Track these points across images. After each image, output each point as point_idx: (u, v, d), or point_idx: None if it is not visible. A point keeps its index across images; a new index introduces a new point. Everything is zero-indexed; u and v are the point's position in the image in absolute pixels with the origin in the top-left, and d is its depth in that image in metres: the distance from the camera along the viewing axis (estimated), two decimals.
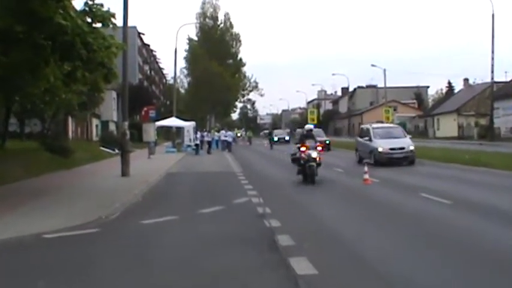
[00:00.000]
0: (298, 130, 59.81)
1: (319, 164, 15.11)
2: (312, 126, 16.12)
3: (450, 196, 11.65)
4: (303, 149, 15.18)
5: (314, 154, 14.93)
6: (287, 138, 55.79)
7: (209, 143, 40.73)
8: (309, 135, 15.62)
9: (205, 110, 72.40)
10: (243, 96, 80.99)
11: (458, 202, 11.00)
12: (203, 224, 9.49)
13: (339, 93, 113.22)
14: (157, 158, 30.17)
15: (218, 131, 48.25)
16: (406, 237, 7.75)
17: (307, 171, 14.88)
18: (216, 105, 74.63)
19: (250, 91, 79.83)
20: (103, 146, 35.94)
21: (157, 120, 41.29)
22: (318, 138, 16.63)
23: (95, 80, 14.27)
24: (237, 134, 64.94)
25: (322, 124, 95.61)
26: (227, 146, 42.62)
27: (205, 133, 43.70)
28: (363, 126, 25.98)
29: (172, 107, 45.38)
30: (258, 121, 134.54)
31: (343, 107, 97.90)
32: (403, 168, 20.16)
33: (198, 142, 38.45)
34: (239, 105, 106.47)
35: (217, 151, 41.15)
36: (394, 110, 69.91)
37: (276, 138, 53.25)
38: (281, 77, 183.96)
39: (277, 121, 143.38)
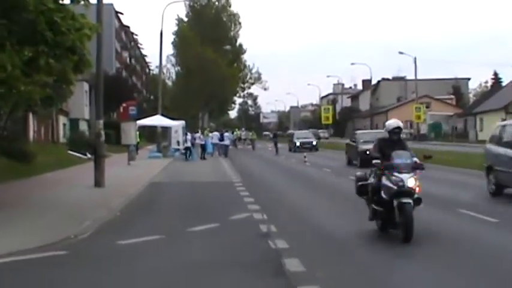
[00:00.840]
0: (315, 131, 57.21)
1: (417, 201, 9.25)
2: (400, 123, 9.82)
3: (496, 213, 11.77)
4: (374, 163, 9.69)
5: (411, 182, 9.25)
6: (314, 142, 48.76)
7: (202, 146, 40.67)
8: (398, 141, 9.75)
9: (197, 106, 72.62)
10: (243, 89, 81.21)
11: (506, 220, 11.10)
12: (193, 244, 9.53)
13: (360, 86, 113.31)
14: (139, 165, 30.49)
15: (213, 132, 48.27)
16: (442, 264, 7.75)
17: (396, 216, 9.20)
18: (211, 101, 74.78)
19: (252, 84, 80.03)
20: (72, 150, 36.00)
21: (139, 118, 41.39)
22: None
23: (62, 69, 14.08)
24: (238, 137, 63.61)
25: (338, 124, 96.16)
26: (224, 150, 42.62)
27: (196, 134, 43.69)
28: (507, 122, 16.16)
29: (157, 103, 45.39)
30: (261, 120, 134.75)
31: (364, 104, 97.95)
32: (432, 176, 18.07)
33: (188, 145, 38.43)
34: (238, 101, 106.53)
35: (211, 156, 41.25)
36: (427, 107, 69.90)
37: (298, 143, 47.51)
38: (289, 67, 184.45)
39: (284, 120, 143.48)
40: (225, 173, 26.37)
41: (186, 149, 38.55)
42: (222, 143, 43.54)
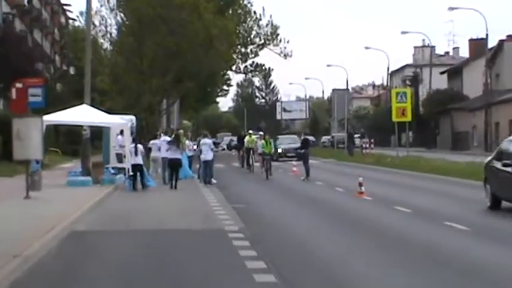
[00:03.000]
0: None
1: None
2: None
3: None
4: None
5: None
6: None
7: (173, 163, 40.29)
8: None
9: (158, 89, 72.28)
10: (245, 58, 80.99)
11: None
12: None
13: (464, 52, 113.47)
14: (48, 198, 30.65)
15: (191, 138, 48.17)
16: None
17: None
18: (183, 80, 74.60)
19: (261, 46, 79.77)
20: None
21: (48, 112, 41.16)
22: None
23: None
24: (252, 148, 58.79)
25: (422, 122, 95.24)
26: (205, 171, 43.15)
27: (157, 141, 43.56)
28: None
29: (84, 81, 45.28)
30: (279, 115, 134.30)
31: (472, 84, 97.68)
32: None
33: (139, 162, 38.33)
34: (236, 79, 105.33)
35: (186, 182, 41.74)
36: None
37: None
38: (330, 19, 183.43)
39: (321, 115, 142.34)
40: (211, 213, 26.95)
41: (135, 169, 38.42)
42: (204, 158, 43.36)
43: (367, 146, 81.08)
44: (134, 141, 39.56)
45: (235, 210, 27.51)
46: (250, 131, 64.84)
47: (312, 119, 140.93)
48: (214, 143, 51.80)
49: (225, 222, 24.05)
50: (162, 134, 46.18)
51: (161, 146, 42.23)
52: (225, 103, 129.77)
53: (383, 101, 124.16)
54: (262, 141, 53.88)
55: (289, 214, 27.31)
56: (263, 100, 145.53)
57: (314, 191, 37.86)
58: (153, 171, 42.69)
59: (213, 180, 42.22)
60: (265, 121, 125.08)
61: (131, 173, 39.12)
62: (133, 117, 44.50)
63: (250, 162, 56.61)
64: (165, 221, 25.01)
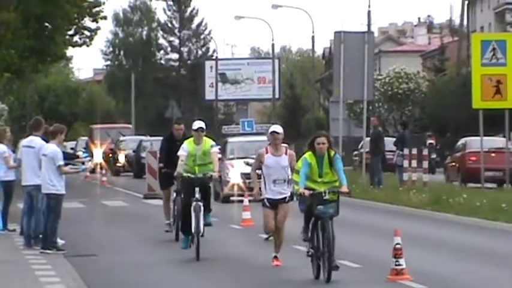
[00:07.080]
0: None
1: None
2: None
3: None
4: None
5: None
6: None
7: None
8: None
9: None
10: None
11: None
12: None
13: None
14: None
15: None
16: None
17: None
18: None
19: None
20: None
21: None
22: None
23: None
24: (192, 182, 48.71)
25: None
26: (47, 214, 40.52)
27: None
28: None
29: None
30: (210, 90, 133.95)
31: None
32: None
33: None
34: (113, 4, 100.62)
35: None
36: None
37: None
38: None
39: (307, 92, 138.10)
40: None
41: None
42: (46, 189, 40.19)
43: (414, 164, 72.43)
44: None
45: None
46: (200, 125, 46.69)
47: (289, 100, 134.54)
48: (66, 155, 42.95)
49: None
50: None
51: None
52: (88, 62, 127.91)
53: (451, 62, 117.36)
54: (290, 155, 35.52)
55: None
56: (174, 56, 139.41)
57: (291, 266, 34.23)
58: None
59: (60, 241, 39.94)
60: (181, 104, 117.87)
61: None
62: None
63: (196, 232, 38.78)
64: None
